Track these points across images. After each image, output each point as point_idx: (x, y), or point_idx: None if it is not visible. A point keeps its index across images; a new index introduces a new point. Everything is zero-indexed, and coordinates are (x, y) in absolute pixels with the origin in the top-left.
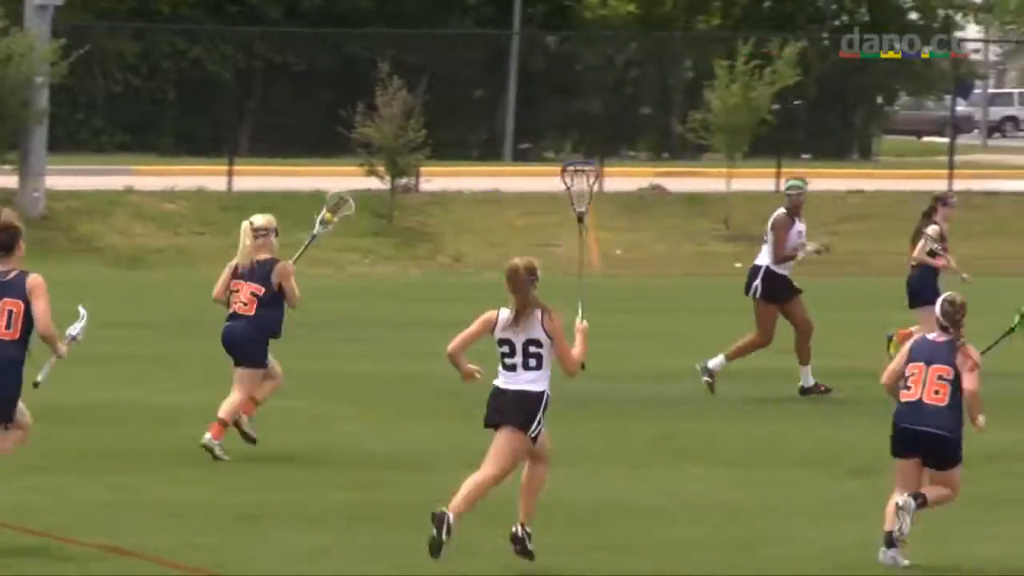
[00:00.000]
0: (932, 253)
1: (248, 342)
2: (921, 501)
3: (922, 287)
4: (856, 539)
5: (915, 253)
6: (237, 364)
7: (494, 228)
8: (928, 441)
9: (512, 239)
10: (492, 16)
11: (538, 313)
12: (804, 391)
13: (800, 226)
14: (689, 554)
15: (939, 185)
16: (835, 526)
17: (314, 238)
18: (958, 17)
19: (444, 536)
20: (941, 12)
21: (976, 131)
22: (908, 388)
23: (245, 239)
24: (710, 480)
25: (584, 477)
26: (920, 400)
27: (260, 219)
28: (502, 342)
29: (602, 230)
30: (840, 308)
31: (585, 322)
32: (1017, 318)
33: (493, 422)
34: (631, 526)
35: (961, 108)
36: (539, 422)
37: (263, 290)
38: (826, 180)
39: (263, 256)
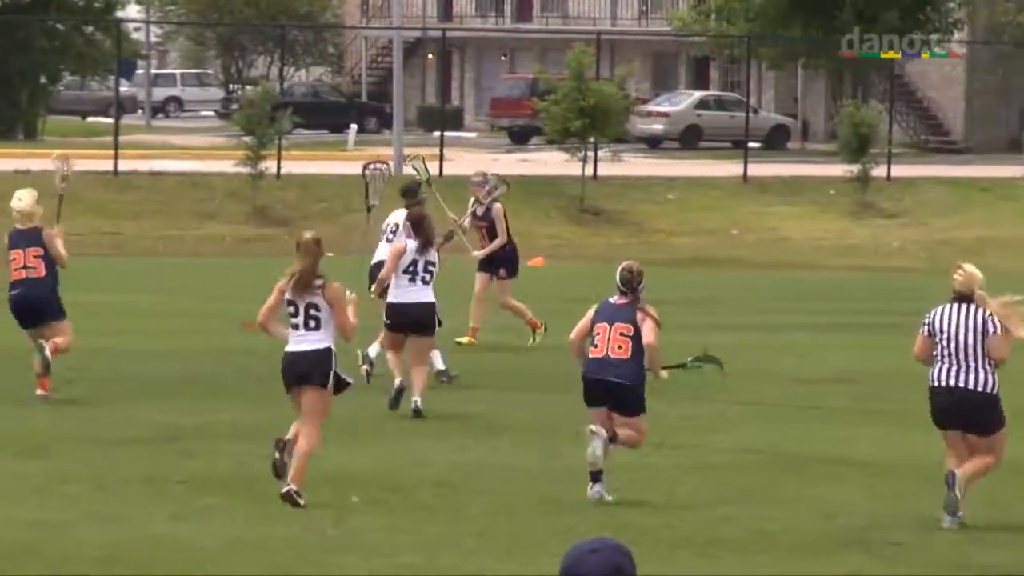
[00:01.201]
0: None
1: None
2: (613, 436)
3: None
4: (32, 519)
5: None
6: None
7: None
8: (612, 389)
9: None
10: None
11: (319, 282)
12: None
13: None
14: None
15: (105, 165)
16: (9, 506)
17: (61, 198)
18: None
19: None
20: None
21: (140, 111)
22: (595, 345)
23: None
24: None
25: None
26: (606, 355)
27: (26, 194)
28: (289, 303)
29: None
30: None
31: (353, 295)
32: (690, 360)
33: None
34: None
35: (125, 88)
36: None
37: (43, 251)
38: None
39: (28, 225)
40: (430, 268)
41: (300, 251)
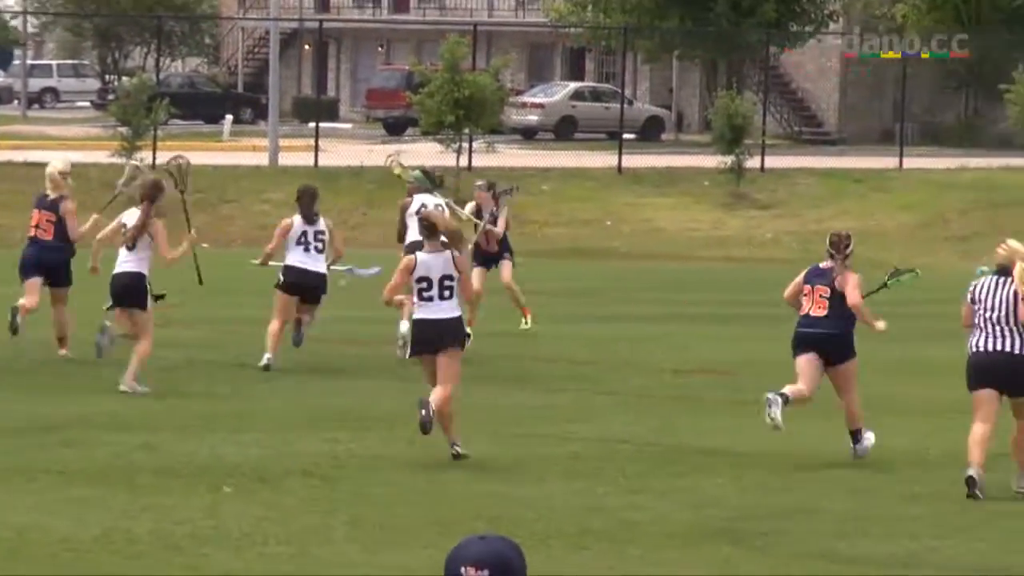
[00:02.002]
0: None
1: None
2: (784, 399)
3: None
4: None
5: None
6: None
7: None
8: (816, 339)
9: None
10: None
11: (449, 254)
12: None
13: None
14: None
15: None
16: None
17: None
18: None
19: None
20: None
21: (16, 102)
22: (803, 304)
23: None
24: None
25: None
26: (808, 313)
27: (60, 163)
28: (420, 279)
29: None
30: None
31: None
32: (887, 279)
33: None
34: None
35: (1, 79)
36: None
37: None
38: None
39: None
40: (320, 238)
41: (426, 229)
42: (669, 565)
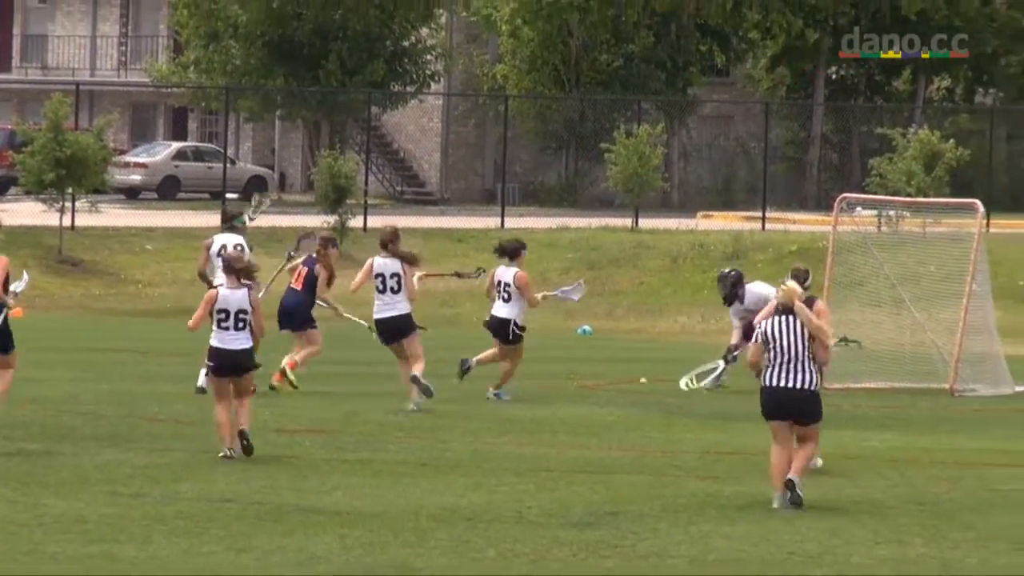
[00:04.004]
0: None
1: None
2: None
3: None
4: None
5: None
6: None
7: None
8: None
9: None
10: None
11: (245, 291)
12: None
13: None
14: None
15: None
16: None
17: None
18: None
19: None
20: None
21: None
22: None
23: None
24: None
25: None
26: None
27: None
28: (220, 311)
29: None
30: None
31: None
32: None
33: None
34: None
35: None
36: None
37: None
38: None
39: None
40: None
41: (228, 265)
42: None
